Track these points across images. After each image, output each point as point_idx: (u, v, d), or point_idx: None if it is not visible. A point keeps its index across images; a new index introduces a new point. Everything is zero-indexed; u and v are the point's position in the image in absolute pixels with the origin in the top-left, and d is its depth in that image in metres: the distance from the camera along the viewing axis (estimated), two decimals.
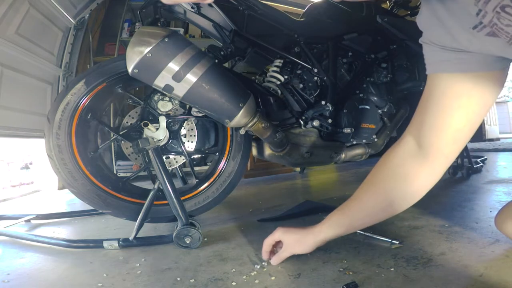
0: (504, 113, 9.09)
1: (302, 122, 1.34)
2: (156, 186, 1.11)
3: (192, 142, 1.31)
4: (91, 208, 1.30)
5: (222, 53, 1.27)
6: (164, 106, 1.22)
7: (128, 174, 1.42)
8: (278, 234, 0.81)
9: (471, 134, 0.66)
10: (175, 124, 1.27)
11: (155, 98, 1.22)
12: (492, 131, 5.49)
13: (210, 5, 1.26)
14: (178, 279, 0.78)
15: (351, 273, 0.74)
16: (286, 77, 1.37)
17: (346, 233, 0.79)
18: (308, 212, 1.32)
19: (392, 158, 0.73)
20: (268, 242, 0.82)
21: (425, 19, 0.59)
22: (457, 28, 0.53)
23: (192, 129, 1.32)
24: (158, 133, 1.20)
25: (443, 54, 0.59)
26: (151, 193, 1.11)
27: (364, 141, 1.44)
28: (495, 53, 0.54)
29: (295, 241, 0.80)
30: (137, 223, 1.07)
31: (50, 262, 0.96)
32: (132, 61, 0.94)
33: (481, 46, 0.54)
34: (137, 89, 2.16)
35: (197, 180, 1.33)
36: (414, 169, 0.69)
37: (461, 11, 0.51)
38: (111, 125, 1.52)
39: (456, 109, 0.62)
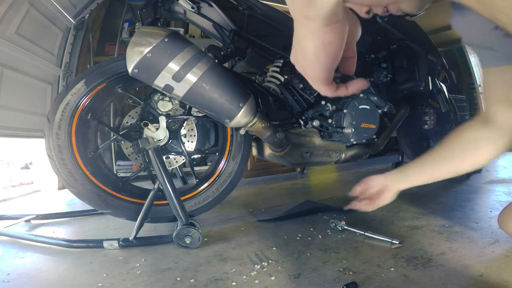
0: None
1: (302, 122, 1.34)
2: (156, 186, 1.11)
3: (192, 142, 1.31)
4: (91, 208, 1.30)
5: (222, 53, 1.27)
6: (164, 106, 1.21)
7: (128, 174, 1.42)
8: (367, 182, 0.89)
9: None
10: (175, 124, 1.27)
11: (155, 98, 1.22)
12: None
13: (210, 5, 1.26)
14: (178, 279, 0.78)
15: (351, 273, 0.74)
16: (286, 77, 1.37)
17: (421, 183, 0.85)
18: (308, 212, 1.32)
19: (463, 130, 0.81)
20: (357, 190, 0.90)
21: (457, 22, 0.63)
22: (483, 29, 0.57)
23: (192, 129, 1.32)
24: (158, 133, 1.20)
25: (482, 52, 0.66)
26: (151, 193, 1.11)
27: (364, 141, 1.44)
28: None
29: (383, 191, 0.86)
30: (137, 223, 1.07)
31: (50, 262, 0.96)
32: (132, 61, 0.94)
33: (502, 47, 0.58)
34: (137, 89, 2.16)
35: (197, 180, 1.33)
36: (482, 139, 0.75)
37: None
38: (111, 125, 1.52)
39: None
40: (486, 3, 0.33)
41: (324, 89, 0.45)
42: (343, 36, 0.41)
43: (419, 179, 0.83)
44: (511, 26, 0.34)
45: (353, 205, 0.87)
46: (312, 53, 0.41)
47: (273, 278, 0.75)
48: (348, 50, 0.45)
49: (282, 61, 1.39)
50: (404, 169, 0.84)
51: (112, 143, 1.65)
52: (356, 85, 0.48)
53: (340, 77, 0.45)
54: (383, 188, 0.84)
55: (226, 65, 1.38)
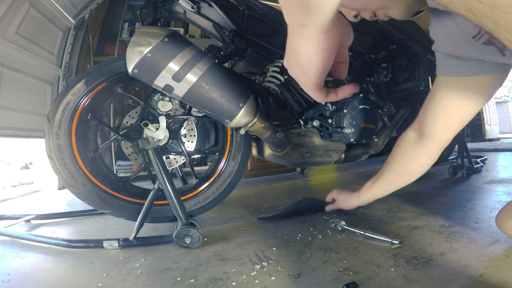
0: (504, 113, 9.08)
1: (302, 122, 1.34)
2: (156, 186, 1.11)
3: (192, 142, 1.31)
4: (91, 208, 1.30)
5: (222, 53, 1.27)
6: (164, 106, 1.21)
7: (128, 174, 1.42)
8: (334, 192, 1.20)
9: (462, 125, 0.78)
10: (175, 124, 1.27)
11: (155, 98, 1.22)
12: (492, 131, 5.49)
13: (210, 5, 1.26)
14: (178, 279, 0.78)
15: (351, 273, 0.74)
16: (286, 77, 1.37)
17: (379, 196, 1.05)
18: (308, 210, 1.32)
19: (401, 142, 0.94)
20: (328, 197, 1.23)
21: (434, 29, 0.65)
22: (460, 38, 0.58)
23: (192, 129, 1.32)
24: (158, 133, 1.20)
25: (445, 60, 0.69)
26: (151, 193, 1.11)
27: (364, 141, 1.44)
28: (492, 59, 0.60)
29: (343, 200, 1.14)
30: (137, 223, 1.07)
31: (50, 262, 0.96)
32: (132, 61, 0.94)
33: (480, 55, 0.60)
34: (137, 89, 2.16)
35: (197, 180, 1.33)
36: (415, 152, 0.89)
37: (464, 22, 0.56)
38: (111, 125, 1.52)
39: (447, 105, 0.75)
40: (477, 13, 0.34)
41: (315, 94, 0.46)
42: (337, 41, 0.41)
43: (376, 195, 1.04)
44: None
45: (329, 208, 1.21)
46: (306, 59, 0.41)
47: (273, 278, 0.75)
48: (340, 55, 0.45)
49: (282, 61, 1.39)
50: (364, 187, 1.06)
51: (112, 143, 1.65)
52: (346, 91, 0.49)
53: (331, 81, 0.46)
54: (348, 198, 1.13)
55: (226, 65, 1.38)
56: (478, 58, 0.63)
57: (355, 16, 0.56)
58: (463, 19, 0.54)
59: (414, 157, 0.89)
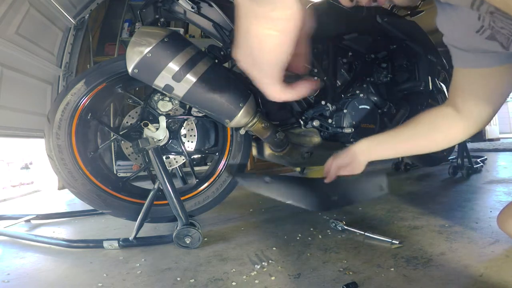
0: (504, 113, 9.07)
1: (302, 122, 1.34)
2: (156, 186, 1.11)
3: (192, 142, 1.31)
4: (91, 208, 1.30)
5: (222, 53, 1.26)
6: (164, 106, 1.21)
7: (128, 174, 1.42)
8: (331, 164, 0.94)
9: (501, 101, 0.73)
10: (175, 124, 1.27)
11: (155, 98, 1.21)
12: (492, 131, 5.49)
13: (210, 5, 1.26)
14: (178, 279, 0.78)
15: (351, 273, 0.74)
16: None
17: (391, 156, 0.90)
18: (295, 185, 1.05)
19: (434, 114, 0.83)
20: (329, 177, 0.94)
21: (441, 22, 0.64)
22: (465, 31, 0.58)
23: (192, 129, 1.32)
24: (158, 133, 1.20)
25: (457, 52, 0.68)
26: (151, 193, 1.11)
27: None
28: (495, 50, 0.59)
29: (348, 165, 0.91)
30: (137, 223, 1.07)
31: (50, 262, 0.96)
32: (132, 61, 0.94)
33: (486, 48, 0.59)
34: (137, 89, 2.16)
35: (197, 180, 1.33)
36: (451, 125, 0.79)
37: (467, 16, 0.55)
38: (111, 125, 1.52)
39: (486, 84, 0.70)
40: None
41: (271, 90, 0.40)
42: (295, 26, 0.35)
43: (388, 152, 0.87)
44: None
45: (329, 177, 0.92)
46: (260, 44, 0.35)
47: (273, 278, 0.75)
48: (299, 46, 0.39)
49: None
50: (373, 141, 0.88)
51: (112, 143, 1.65)
52: (305, 87, 0.42)
53: (289, 76, 0.40)
54: (352, 159, 0.88)
55: (226, 65, 1.38)
56: (486, 51, 0.62)
57: (351, 0, 0.51)
58: (467, 13, 0.55)
59: (448, 129, 0.80)
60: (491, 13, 0.47)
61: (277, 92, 0.40)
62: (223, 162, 1.31)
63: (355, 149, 0.87)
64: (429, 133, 0.81)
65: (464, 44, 0.63)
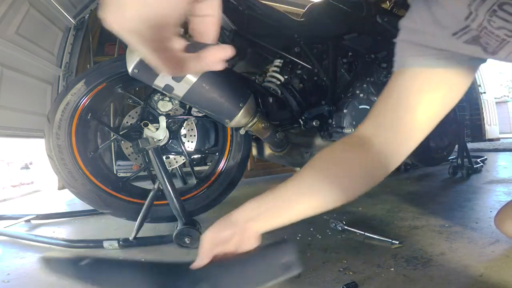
0: (504, 113, 9.08)
1: (302, 122, 1.34)
2: (156, 186, 1.11)
3: (192, 142, 1.31)
4: (91, 208, 1.30)
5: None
6: (164, 106, 1.21)
7: (128, 174, 1.42)
8: (204, 238, 0.58)
9: (425, 133, 0.60)
10: (175, 124, 1.27)
11: (155, 98, 1.22)
12: (492, 131, 5.49)
13: None
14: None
15: (351, 273, 0.74)
16: (286, 77, 1.37)
17: (283, 225, 0.60)
18: None
19: (339, 149, 0.64)
20: (205, 257, 0.56)
21: (410, 22, 0.58)
22: (438, 34, 0.53)
23: (192, 129, 1.32)
24: (158, 133, 1.20)
25: (419, 49, 0.57)
26: (151, 193, 1.11)
27: None
28: (473, 55, 0.54)
29: (232, 240, 0.58)
30: (137, 223, 1.07)
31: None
32: (132, 61, 0.94)
33: (459, 50, 0.54)
34: (137, 89, 2.16)
35: (197, 180, 1.32)
36: (365, 161, 0.60)
37: (446, 17, 0.50)
38: (111, 125, 1.52)
39: (418, 105, 0.57)
40: None
41: (158, 59, 0.27)
42: None
43: (282, 220, 0.61)
44: None
45: (201, 259, 0.54)
46: None
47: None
48: (205, 6, 0.29)
49: (282, 61, 1.39)
50: (261, 205, 0.60)
51: (112, 143, 1.65)
52: (213, 54, 0.30)
53: (193, 45, 0.29)
54: (238, 231, 0.57)
55: (226, 65, 1.38)
56: (455, 52, 0.54)
57: None
58: (444, 13, 0.50)
59: (356, 170, 0.59)
60: (494, 11, 0.43)
61: (168, 63, 0.28)
62: (223, 162, 1.31)
63: (239, 217, 0.58)
64: (334, 183, 0.59)
65: (438, 44, 0.55)
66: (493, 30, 0.45)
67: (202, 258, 0.54)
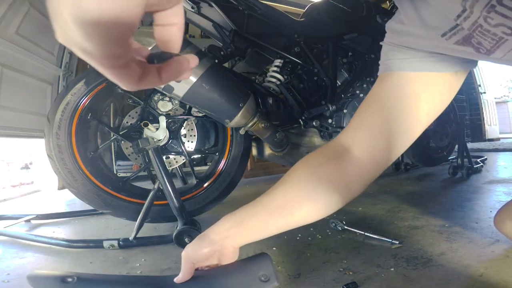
0: (504, 113, 9.09)
1: (302, 122, 1.34)
2: (156, 186, 1.11)
3: (192, 142, 1.31)
4: (91, 208, 1.30)
5: (222, 53, 1.27)
6: (164, 106, 1.21)
7: (128, 174, 1.42)
8: (184, 257, 0.56)
9: (410, 141, 0.58)
10: (175, 124, 1.27)
11: (155, 98, 1.22)
12: (492, 131, 5.49)
13: (210, 5, 1.26)
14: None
15: (351, 273, 0.74)
16: (286, 77, 1.38)
17: (259, 239, 0.59)
18: None
19: (316, 161, 0.64)
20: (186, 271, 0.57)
21: (397, 24, 0.56)
22: (425, 36, 0.51)
23: (192, 129, 1.32)
24: (158, 133, 1.20)
25: (405, 52, 0.55)
26: (151, 193, 1.11)
27: None
28: (464, 57, 0.52)
29: (212, 258, 0.59)
30: (137, 223, 1.07)
31: (50, 262, 0.96)
32: None
33: (450, 52, 0.51)
34: None
35: (197, 180, 1.33)
36: (344, 173, 0.59)
37: (434, 17, 0.48)
38: (111, 125, 1.52)
39: (406, 110, 0.55)
40: None
41: (113, 74, 0.25)
42: None
43: (259, 234, 0.59)
44: None
45: (182, 275, 0.56)
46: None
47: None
48: (169, 14, 0.27)
49: (282, 61, 1.39)
50: (237, 220, 0.59)
51: (112, 143, 1.65)
52: (176, 67, 0.27)
53: (157, 55, 0.27)
54: (216, 248, 0.57)
55: (226, 65, 1.38)
56: (445, 54, 0.52)
57: None
58: (431, 14, 0.48)
59: (340, 182, 0.58)
60: (492, 6, 0.41)
61: (124, 76, 0.25)
62: (223, 162, 1.31)
63: (215, 236, 0.58)
64: (309, 199, 0.57)
65: (427, 46, 0.53)
66: (489, 28, 0.43)
67: (184, 273, 0.55)
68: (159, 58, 0.27)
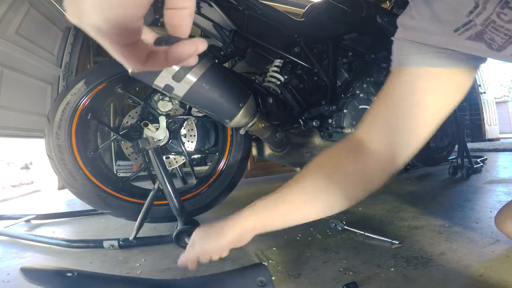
0: (504, 113, 9.09)
1: (302, 122, 1.34)
2: (156, 186, 1.11)
3: (192, 142, 1.31)
4: (91, 208, 1.30)
5: (222, 53, 1.27)
6: (164, 106, 1.21)
7: (128, 174, 1.42)
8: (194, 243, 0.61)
9: (425, 138, 0.58)
10: (175, 124, 1.27)
11: (155, 98, 1.22)
12: (492, 131, 5.49)
13: (210, 5, 1.26)
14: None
15: (351, 273, 0.74)
16: (286, 77, 1.38)
17: (280, 228, 0.61)
18: None
19: (336, 154, 0.62)
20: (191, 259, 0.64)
21: (408, 19, 0.56)
22: (437, 32, 0.51)
23: (192, 129, 1.32)
24: (158, 133, 1.20)
25: (417, 47, 0.55)
26: (151, 193, 1.11)
27: None
28: (475, 54, 0.52)
29: (218, 246, 0.62)
30: (137, 223, 1.07)
31: (50, 262, 0.96)
32: None
33: (461, 48, 0.51)
34: (137, 89, 2.16)
35: (197, 180, 1.33)
36: (364, 169, 0.59)
37: (447, 12, 0.48)
38: (111, 125, 1.52)
39: (419, 105, 0.55)
40: None
41: (121, 54, 0.26)
42: None
43: (276, 223, 0.60)
44: None
45: (192, 263, 0.61)
46: None
47: (273, 278, 0.75)
48: None
49: (282, 61, 1.39)
50: (260, 210, 0.61)
51: (112, 143, 1.65)
52: (183, 49, 0.28)
53: (164, 39, 0.28)
54: (234, 243, 0.62)
55: (226, 65, 1.38)
56: (459, 51, 0.52)
57: None
58: (444, 9, 0.48)
59: (362, 173, 0.59)
60: (506, 3, 0.40)
61: (130, 57, 0.26)
62: (223, 162, 1.31)
63: (235, 228, 0.61)
64: (336, 189, 0.58)
65: (440, 42, 0.52)
66: (502, 24, 0.43)
67: (190, 261, 0.60)
68: (167, 41, 0.27)
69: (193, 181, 1.36)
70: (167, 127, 1.22)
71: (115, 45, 0.25)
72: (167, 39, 0.27)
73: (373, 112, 0.61)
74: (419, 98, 0.56)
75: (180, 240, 1.00)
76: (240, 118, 1.05)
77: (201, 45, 0.28)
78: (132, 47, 0.26)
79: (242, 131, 1.18)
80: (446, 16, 0.49)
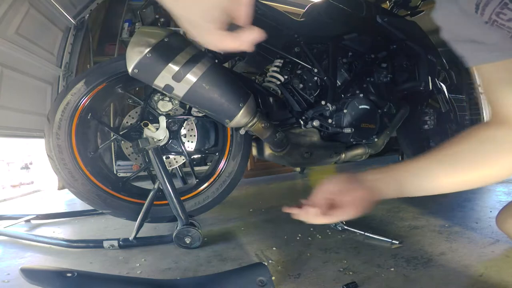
0: None
1: (302, 122, 1.34)
2: (156, 186, 1.11)
3: (192, 142, 1.31)
4: (91, 208, 1.30)
5: (222, 53, 1.26)
6: (164, 106, 1.21)
7: (128, 174, 1.42)
8: (328, 187, 0.59)
9: None
10: (175, 124, 1.27)
11: (155, 98, 1.22)
12: None
13: None
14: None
15: (351, 273, 0.74)
16: (286, 77, 1.37)
17: (425, 193, 0.61)
18: None
19: (483, 132, 0.60)
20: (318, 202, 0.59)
21: (443, 16, 0.56)
22: (469, 22, 0.51)
23: (192, 129, 1.32)
24: (158, 133, 1.20)
25: (474, 46, 0.55)
26: (151, 193, 1.11)
27: (364, 141, 1.44)
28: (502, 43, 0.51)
29: (357, 200, 0.60)
30: (137, 223, 1.07)
31: (50, 262, 0.96)
32: (132, 61, 0.94)
33: (495, 39, 0.51)
34: (137, 89, 2.16)
35: (197, 180, 1.33)
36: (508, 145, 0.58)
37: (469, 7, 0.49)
38: (111, 125, 1.52)
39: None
40: None
41: (210, 36, 0.35)
42: None
43: (417, 189, 0.60)
44: None
45: (296, 213, 0.58)
46: None
47: (273, 278, 0.75)
48: None
49: (282, 61, 1.39)
50: (394, 172, 0.61)
51: (112, 143, 1.65)
52: (248, 33, 0.36)
53: (232, 27, 0.36)
54: (359, 191, 0.60)
55: (226, 65, 1.38)
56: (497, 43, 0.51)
57: None
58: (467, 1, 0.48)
59: (501, 159, 0.58)
60: (505, 4, 0.42)
61: (217, 38, 0.35)
62: (223, 162, 1.31)
63: (368, 176, 0.60)
64: (473, 169, 0.58)
65: (474, 35, 0.53)
66: (503, 22, 0.44)
67: (317, 197, 0.58)
68: (232, 29, 0.35)
69: (193, 181, 1.36)
70: (167, 127, 1.22)
71: (200, 31, 0.34)
72: (232, 27, 0.35)
73: (507, 88, 0.56)
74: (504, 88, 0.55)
75: (180, 240, 1.00)
76: (240, 118, 1.05)
77: (259, 33, 0.36)
78: (212, 32, 0.34)
79: (242, 131, 1.18)
80: (471, 8, 0.49)
